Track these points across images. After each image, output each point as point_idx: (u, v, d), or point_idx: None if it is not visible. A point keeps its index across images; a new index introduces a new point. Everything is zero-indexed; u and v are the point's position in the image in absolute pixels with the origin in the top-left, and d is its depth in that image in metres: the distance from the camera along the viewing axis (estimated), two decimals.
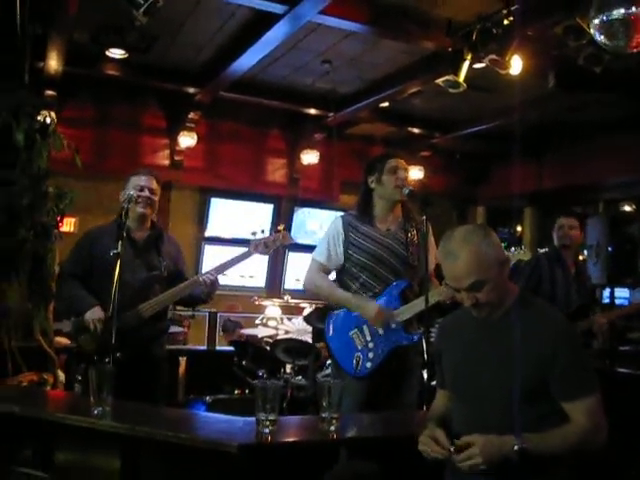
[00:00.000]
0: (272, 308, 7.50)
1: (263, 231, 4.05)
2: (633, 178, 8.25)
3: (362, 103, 7.75)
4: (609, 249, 5.87)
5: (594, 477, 2.42)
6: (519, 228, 10.90)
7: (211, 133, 8.66)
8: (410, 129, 8.85)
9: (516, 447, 2.16)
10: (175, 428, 2.55)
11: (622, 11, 4.04)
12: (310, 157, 8.79)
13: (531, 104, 7.28)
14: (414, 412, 3.60)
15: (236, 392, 4.65)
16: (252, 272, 9.14)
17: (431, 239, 3.72)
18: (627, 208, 10.48)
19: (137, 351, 3.65)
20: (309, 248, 9.34)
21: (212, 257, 8.81)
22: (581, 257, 5.61)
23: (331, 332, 3.80)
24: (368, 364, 3.64)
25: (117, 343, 3.36)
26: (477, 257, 2.31)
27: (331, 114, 8.18)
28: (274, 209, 9.31)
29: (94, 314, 3.66)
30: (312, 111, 8.24)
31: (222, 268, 3.99)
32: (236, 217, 9.06)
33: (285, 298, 7.58)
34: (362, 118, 8.59)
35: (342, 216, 3.90)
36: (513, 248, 3.41)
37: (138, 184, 3.90)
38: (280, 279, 9.40)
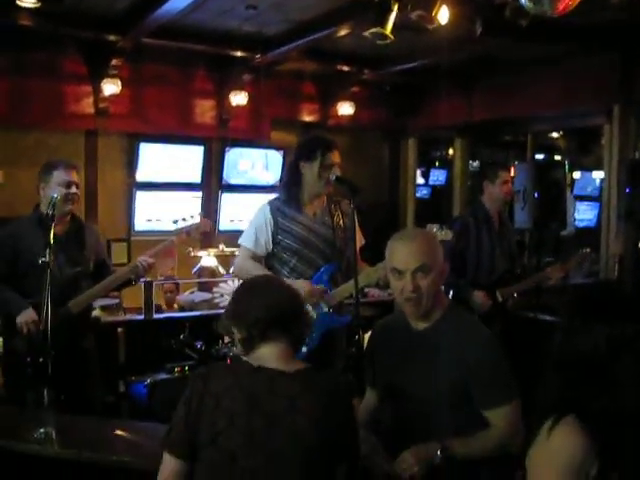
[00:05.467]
0: (207, 258, 7.49)
1: (185, 219, 4.08)
2: (560, 110, 8.37)
3: (289, 46, 7.58)
4: (535, 195, 5.98)
5: None
6: (451, 151, 10.99)
7: (135, 78, 8.33)
8: (339, 66, 8.72)
9: (439, 452, 2.38)
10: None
11: None
12: (239, 98, 8.63)
13: (460, 44, 7.22)
14: None
15: (176, 370, 4.67)
16: (186, 216, 8.99)
17: (356, 224, 3.77)
18: (554, 134, 10.69)
19: (67, 346, 3.60)
20: (242, 188, 9.42)
21: (144, 204, 8.68)
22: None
23: None
24: (304, 348, 3.71)
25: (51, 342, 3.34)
26: (430, 243, 2.56)
27: (258, 56, 8.00)
28: (205, 151, 9.12)
29: (26, 316, 3.60)
30: (239, 53, 8.03)
31: (155, 254, 4.01)
32: (167, 161, 8.84)
33: (220, 247, 7.58)
34: (290, 57, 8.40)
35: (269, 202, 3.91)
36: (435, 228, 3.45)
37: (64, 180, 3.81)
38: (215, 220, 9.30)
